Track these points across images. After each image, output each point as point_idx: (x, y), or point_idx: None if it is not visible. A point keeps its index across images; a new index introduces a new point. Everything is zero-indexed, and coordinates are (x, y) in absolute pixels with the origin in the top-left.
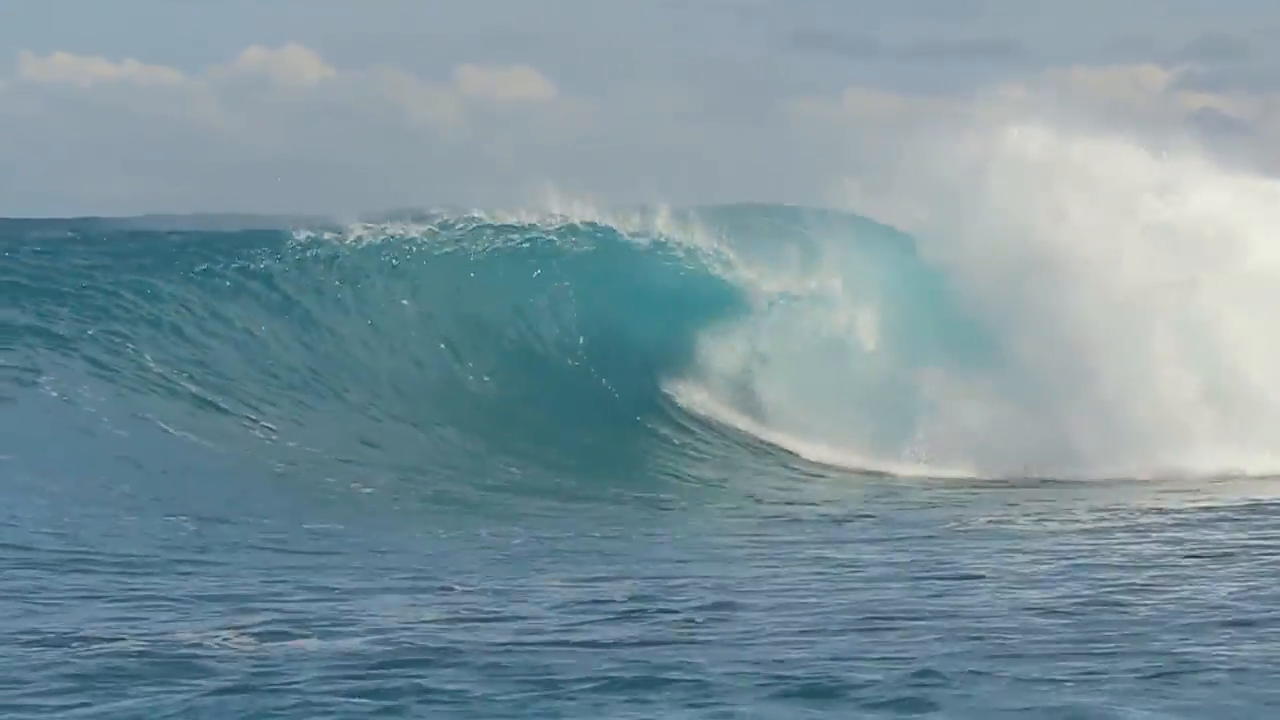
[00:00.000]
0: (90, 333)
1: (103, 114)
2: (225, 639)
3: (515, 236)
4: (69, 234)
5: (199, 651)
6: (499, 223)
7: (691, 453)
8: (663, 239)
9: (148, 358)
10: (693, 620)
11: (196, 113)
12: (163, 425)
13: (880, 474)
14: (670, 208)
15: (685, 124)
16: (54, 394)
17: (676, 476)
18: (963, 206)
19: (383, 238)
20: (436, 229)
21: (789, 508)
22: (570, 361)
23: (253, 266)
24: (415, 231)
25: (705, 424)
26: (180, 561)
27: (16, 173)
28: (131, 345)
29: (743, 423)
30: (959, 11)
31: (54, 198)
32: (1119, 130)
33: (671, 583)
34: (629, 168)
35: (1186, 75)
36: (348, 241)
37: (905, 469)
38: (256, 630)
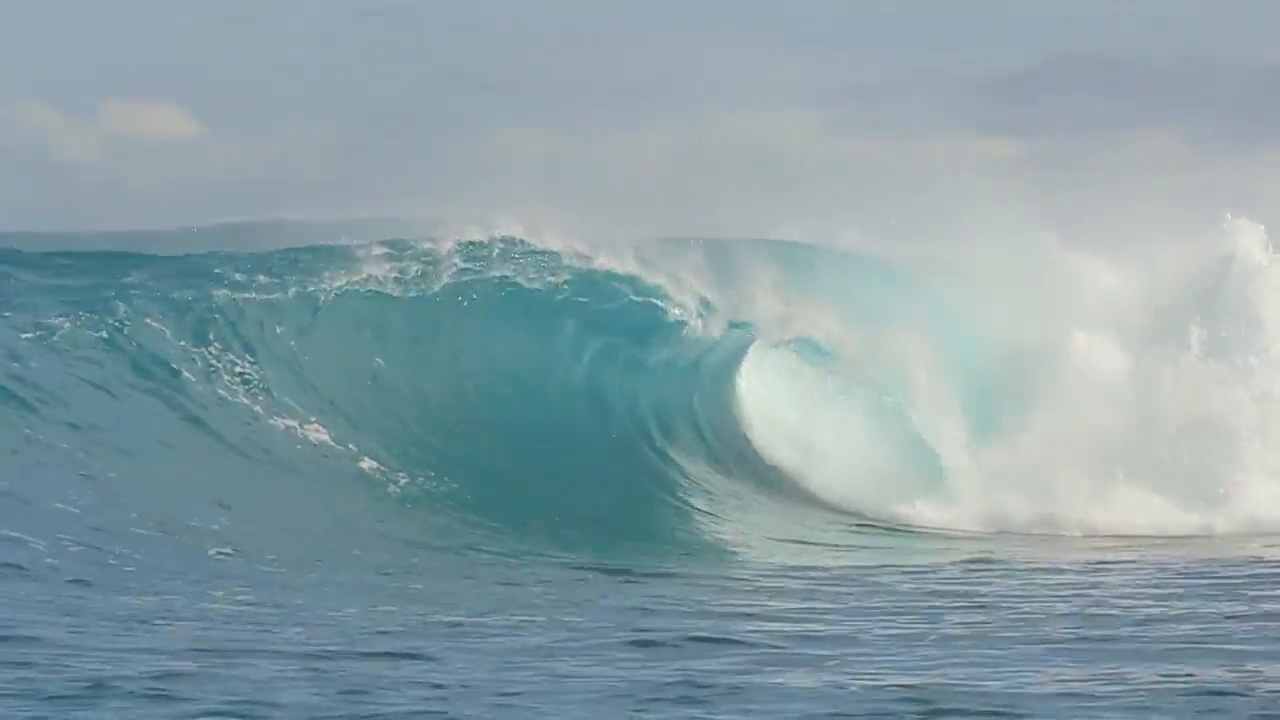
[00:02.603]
0: None
1: None
2: None
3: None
4: None
5: None
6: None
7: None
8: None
9: None
10: None
11: None
12: None
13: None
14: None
15: (335, 161)
16: None
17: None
18: None
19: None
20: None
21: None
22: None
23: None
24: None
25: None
26: None
27: None
28: None
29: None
30: (609, 53)
31: None
32: None
33: None
34: (278, 204)
35: (832, 120)
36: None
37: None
38: None
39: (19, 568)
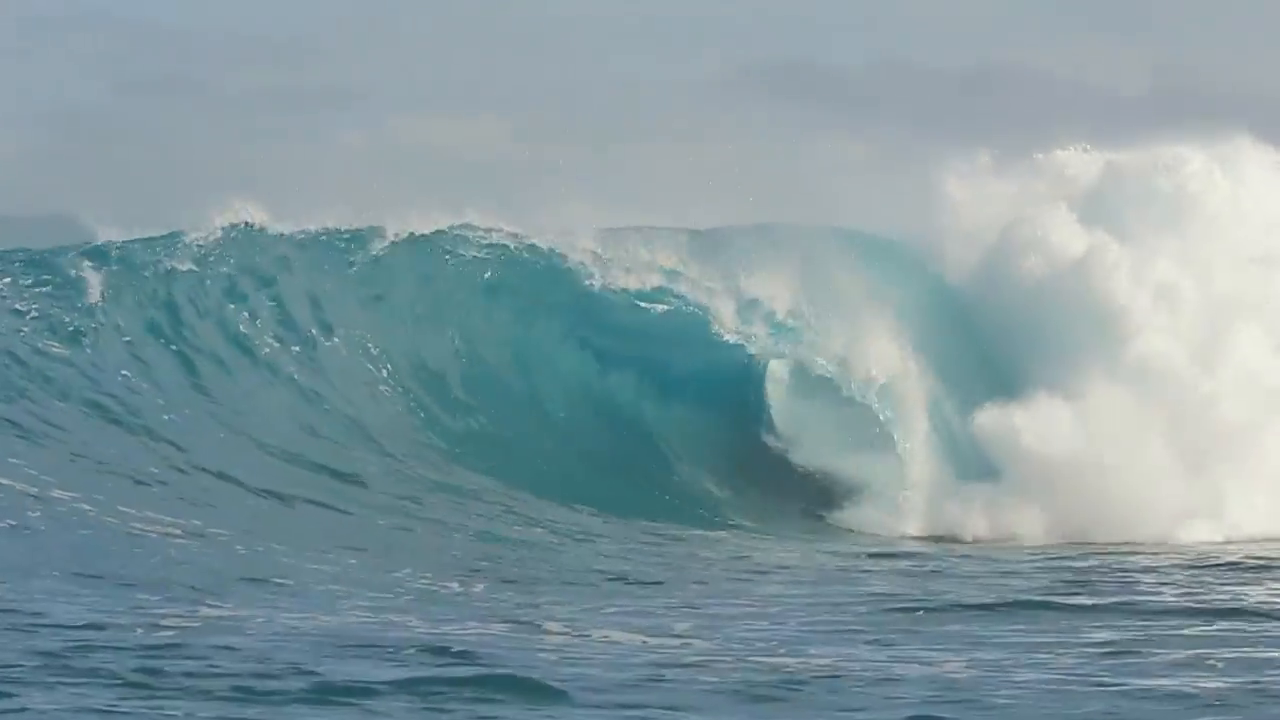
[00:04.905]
0: None
1: None
2: None
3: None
4: None
5: None
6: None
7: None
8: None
9: None
10: None
11: None
12: None
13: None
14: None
15: (32, 169)
16: None
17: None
18: None
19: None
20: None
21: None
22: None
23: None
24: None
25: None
26: None
27: None
28: None
29: None
30: (293, 59)
31: None
32: None
33: None
34: None
35: (523, 124)
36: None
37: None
38: None
39: None
